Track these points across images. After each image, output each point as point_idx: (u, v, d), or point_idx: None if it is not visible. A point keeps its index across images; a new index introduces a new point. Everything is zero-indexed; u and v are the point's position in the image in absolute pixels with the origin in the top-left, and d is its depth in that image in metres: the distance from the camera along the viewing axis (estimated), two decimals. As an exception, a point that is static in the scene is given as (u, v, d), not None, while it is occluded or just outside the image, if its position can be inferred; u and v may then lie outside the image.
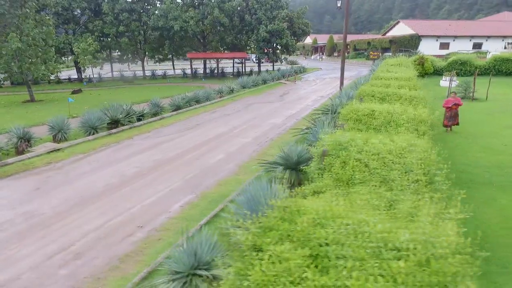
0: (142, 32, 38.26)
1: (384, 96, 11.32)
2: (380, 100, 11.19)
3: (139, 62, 41.78)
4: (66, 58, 40.50)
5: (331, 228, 3.12)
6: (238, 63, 42.96)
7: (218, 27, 37.88)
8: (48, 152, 11.61)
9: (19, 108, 22.43)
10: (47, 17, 25.69)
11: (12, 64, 22.74)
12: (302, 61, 60.06)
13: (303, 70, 42.48)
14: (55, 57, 26.34)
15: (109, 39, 36.87)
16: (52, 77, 30.06)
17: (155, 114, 17.98)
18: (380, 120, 8.09)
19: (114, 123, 15.32)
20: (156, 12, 35.99)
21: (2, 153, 11.22)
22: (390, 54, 48.29)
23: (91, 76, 37.45)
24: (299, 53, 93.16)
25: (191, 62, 39.29)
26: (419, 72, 30.63)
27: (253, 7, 36.11)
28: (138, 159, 11.11)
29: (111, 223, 7.13)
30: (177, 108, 19.57)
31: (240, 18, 37.69)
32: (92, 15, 36.81)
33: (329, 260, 2.81)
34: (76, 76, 39.61)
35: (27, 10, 22.77)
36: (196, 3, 37.96)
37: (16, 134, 11.95)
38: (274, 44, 38.14)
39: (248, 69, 41.37)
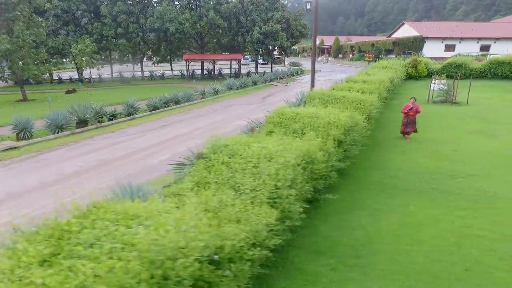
0: (140, 33, 39.01)
1: (332, 100, 11.19)
2: (326, 103, 11.07)
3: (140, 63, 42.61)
4: (66, 59, 41.64)
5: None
6: (236, 64, 43.17)
7: (215, 29, 38.21)
8: (4, 150, 12.02)
9: (8, 107, 23.28)
10: (39, 19, 26.51)
11: (3, 64, 23.63)
12: (308, 63, 59.65)
13: (300, 72, 42.25)
14: (46, 57, 27.13)
15: (107, 40, 37.73)
16: (45, 77, 31.00)
17: (129, 115, 18.31)
18: (299, 124, 8.01)
19: (82, 123, 15.70)
20: (153, 14, 36.63)
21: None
22: (393, 56, 47.38)
23: (90, 76, 38.46)
24: (306, 54, 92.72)
25: (187, 63, 39.73)
26: (412, 75, 30.07)
27: (248, 9, 36.22)
28: (85, 159, 11.37)
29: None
30: (154, 108, 19.88)
31: (236, 19, 37.88)
32: (92, 17, 37.80)
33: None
34: (77, 77, 40.74)
35: (18, 12, 23.61)
36: (193, 6, 38.38)
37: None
38: (270, 46, 38.09)
39: (246, 71, 41.52)
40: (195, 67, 45.36)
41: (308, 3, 15.45)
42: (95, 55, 36.26)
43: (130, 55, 40.85)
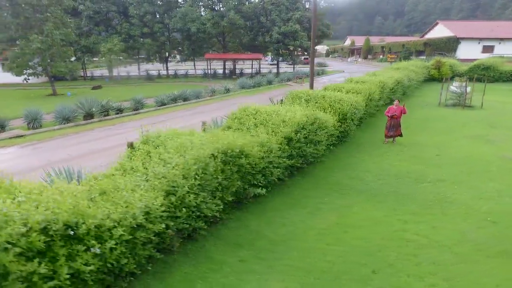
0: (165, 33, 40.58)
1: (312, 98, 11.15)
2: (307, 102, 11.06)
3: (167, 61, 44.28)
4: (96, 58, 44.30)
5: None
6: (258, 64, 43.49)
7: (236, 29, 38.75)
8: (11, 138, 13.24)
9: (37, 100, 25.34)
10: (69, 20, 28.54)
11: (34, 61, 25.79)
12: (339, 64, 58.56)
13: (322, 73, 41.60)
14: (73, 55, 29.15)
15: (134, 40, 39.64)
16: (80, 74, 33.22)
17: (135, 109, 19.26)
18: (254, 121, 8.14)
19: (89, 116, 16.80)
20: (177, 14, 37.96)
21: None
22: (424, 57, 45.17)
23: (118, 74, 40.63)
24: (336, 55, 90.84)
25: (208, 62, 40.67)
26: (435, 77, 28.54)
27: (268, 9, 36.36)
28: (78, 148, 12.21)
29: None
30: (161, 104, 20.73)
31: (257, 19, 38.18)
32: (122, 17, 39.94)
33: None
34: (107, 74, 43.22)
35: (48, 14, 25.62)
36: (215, 6, 39.21)
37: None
38: (290, 46, 37.95)
39: (266, 70, 41.70)
40: (218, 66, 46.28)
41: (307, 2, 15.22)
42: (122, 53, 38.28)
43: (156, 54, 42.56)
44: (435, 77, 28.57)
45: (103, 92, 30.40)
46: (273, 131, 7.45)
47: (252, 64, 43.25)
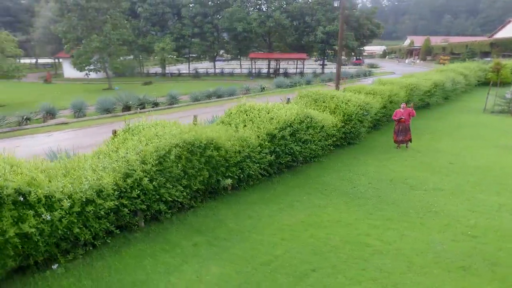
0: (215, 33, 42.27)
1: (318, 98, 11.13)
2: (316, 101, 11.09)
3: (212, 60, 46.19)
4: (151, 56, 47.71)
5: None
6: (302, 63, 43.13)
7: (283, 29, 38.91)
8: (56, 124, 15.17)
9: (94, 93, 28.30)
10: (125, 21, 31.29)
11: (94, 59, 28.84)
12: (394, 65, 55.48)
13: (368, 74, 39.89)
14: (128, 54, 31.88)
15: (184, 39, 41.97)
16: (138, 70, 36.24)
17: (170, 104, 20.60)
18: (245, 117, 8.44)
19: (126, 108, 18.44)
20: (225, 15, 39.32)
21: (32, 121, 15.29)
22: (490, 59, 40.78)
23: (170, 71, 43.44)
24: (393, 56, 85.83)
25: (251, 61, 41.46)
26: (494, 81, 25.68)
27: (314, 8, 35.89)
28: (107, 135, 13.56)
29: None
30: (195, 100, 21.88)
31: (302, 19, 37.92)
32: (176, 18, 42.55)
33: None
34: (161, 71, 46.41)
35: (108, 16, 28.42)
36: (262, 6, 39.79)
37: (45, 109, 15.98)
38: (335, 46, 36.97)
39: (311, 70, 41.19)
40: (264, 65, 46.87)
41: (335, 1, 14.92)
42: (173, 52, 40.78)
43: (205, 53, 44.56)
44: (494, 81, 25.73)
45: (152, 87, 32.82)
46: (258, 127, 7.65)
47: (296, 64, 43.06)
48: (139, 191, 5.43)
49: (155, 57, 40.78)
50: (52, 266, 4.88)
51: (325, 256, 5.31)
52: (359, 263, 5.13)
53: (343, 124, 10.23)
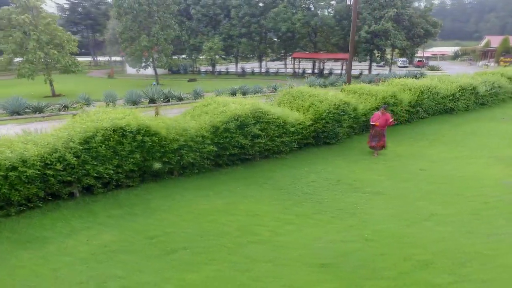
0: (263, 33, 43.20)
1: (298, 96, 11.29)
2: (293, 98, 11.27)
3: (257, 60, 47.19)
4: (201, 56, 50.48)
5: None
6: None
7: (330, 29, 38.14)
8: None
9: (140, 87, 31.24)
10: (173, 23, 33.85)
11: (144, 57, 31.88)
12: (463, 68, 50.27)
13: (419, 76, 36.94)
14: (172, 52, 34.45)
15: (232, 39, 43.63)
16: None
17: (194, 99, 21.98)
18: (205, 110, 9.08)
19: (152, 101, 20.25)
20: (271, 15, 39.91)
21: (70, 109, 17.85)
22: None
23: (217, 70, 45.60)
24: (466, 58, 77.30)
25: (293, 61, 41.38)
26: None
27: (359, 6, 34.45)
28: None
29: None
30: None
31: (349, 18, 36.66)
32: (226, 19, 44.48)
33: None
34: (211, 69, 48.94)
35: (156, 18, 31.14)
36: (307, 6, 39.44)
37: (82, 99, 18.49)
38: (381, 46, 35.09)
39: (358, 71, 39.64)
40: (309, 65, 46.37)
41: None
42: (221, 51, 42.72)
43: (252, 52, 45.75)
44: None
45: (195, 84, 34.96)
46: (209, 119, 8.21)
47: (342, 65, 41.76)
48: (65, 165, 6.41)
49: (203, 56, 43.14)
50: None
51: (208, 238, 5.66)
52: (233, 248, 5.39)
53: (312, 122, 10.14)
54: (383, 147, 10.06)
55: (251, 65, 51.09)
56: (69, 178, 6.59)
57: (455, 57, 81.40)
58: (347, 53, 39.52)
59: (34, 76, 23.54)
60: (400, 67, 55.57)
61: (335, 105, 10.34)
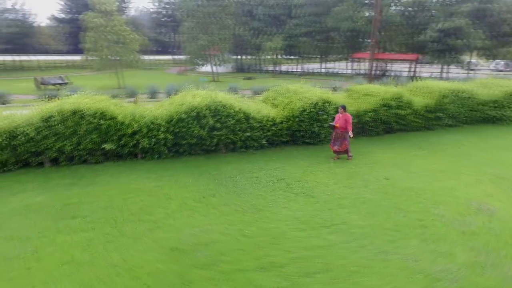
0: (324, 33, 42.08)
1: (283, 93, 11.24)
2: (278, 94, 11.31)
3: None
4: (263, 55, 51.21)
5: None
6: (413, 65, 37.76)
7: (396, 27, 35.16)
8: (129, 102, 19.74)
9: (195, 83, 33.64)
10: (231, 23, 35.38)
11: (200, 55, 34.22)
12: None
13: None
14: (230, 51, 35.99)
15: (292, 39, 43.45)
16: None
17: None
18: (178, 101, 9.71)
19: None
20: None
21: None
22: None
23: (277, 69, 46.03)
24: None
25: (353, 61, 39.21)
26: None
27: (427, 2, 30.98)
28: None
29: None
30: (255, 93, 23.56)
31: (418, 16, 33.31)
32: (288, 19, 44.54)
33: None
34: (272, 69, 49.61)
35: (213, 18, 33.04)
36: (372, 3, 36.91)
37: (129, 92, 21.06)
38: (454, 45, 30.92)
39: (428, 74, 35.75)
40: (374, 66, 43.36)
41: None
42: (282, 51, 42.95)
43: (314, 52, 44.88)
44: None
45: (250, 82, 36.13)
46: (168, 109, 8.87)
47: (410, 66, 38.07)
48: (28, 138, 7.73)
49: (265, 56, 43.95)
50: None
51: (108, 212, 6.23)
52: (119, 223, 5.84)
53: (284, 120, 9.89)
54: (345, 151, 9.24)
55: (312, 66, 50.23)
56: (33, 149, 7.90)
57: None
58: (414, 53, 35.98)
59: (103, 70, 27.38)
60: (494, 70, 48.05)
61: (311, 103, 9.90)
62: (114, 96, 20.08)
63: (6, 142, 7.64)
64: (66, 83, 28.05)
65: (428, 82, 13.15)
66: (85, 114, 8.09)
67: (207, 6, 32.60)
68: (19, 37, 52.81)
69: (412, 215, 6.22)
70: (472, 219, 6.04)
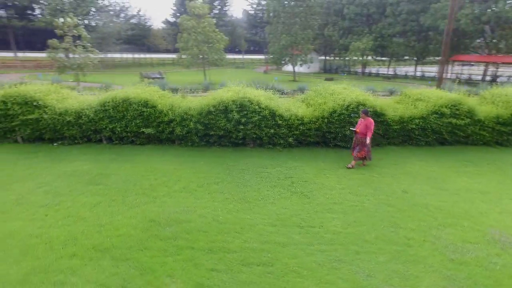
0: (419, 32, 38.08)
1: (322, 92, 11.20)
2: (318, 95, 11.34)
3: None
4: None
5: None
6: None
7: (506, 25, 29.57)
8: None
9: (281, 83, 34.53)
10: (315, 23, 35.04)
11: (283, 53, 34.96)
12: None
13: None
14: (315, 51, 35.65)
15: (384, 39, 40.49)
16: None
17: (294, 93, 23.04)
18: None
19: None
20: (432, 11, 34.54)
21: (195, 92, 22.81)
22: None
23: (365, 70, 43.63)
24: None
25: (446, 64, 34.24)
26: None
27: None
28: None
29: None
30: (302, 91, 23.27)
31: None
32: (380, 18, 41.65)
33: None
34: (359, 71, 47.23)
35: (297, 19, 33.25)
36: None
37: (204, 86, 23.17)
38: None
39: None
40: (480, 70, 37.18)
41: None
42: (371, 52, 40.63)
43: (407, 53, 41.02)
44: None
45: (330, 83, 35.34)
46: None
47: (530, 72, 31.50)
48: (89, 119, 9.56)
49: (350, 57, 42.18)
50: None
51: (124, 184, 7.37)
52: (126, 193, 6.90)
53: (314, 120, 9.71)
54: (364, 158, 8.59)
55: (406, 69, 45.94)
56: (93, 128, 9.73)
57: None
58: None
59: (191, 67, 30.61)
60: None
61: (343, 105, 9.49)
62: (192, 90, 22.61)
63: (74, 120, 9.61)
64: (163, 78, 32.20)
65: (508, 89, 11.00)
66: (132, 102, 9.55)
67: (292, 7, 33.08)
68: (138, 38, 62.50)
69: (403, 232, 5.63)
70: (476, 248, 5.15)
